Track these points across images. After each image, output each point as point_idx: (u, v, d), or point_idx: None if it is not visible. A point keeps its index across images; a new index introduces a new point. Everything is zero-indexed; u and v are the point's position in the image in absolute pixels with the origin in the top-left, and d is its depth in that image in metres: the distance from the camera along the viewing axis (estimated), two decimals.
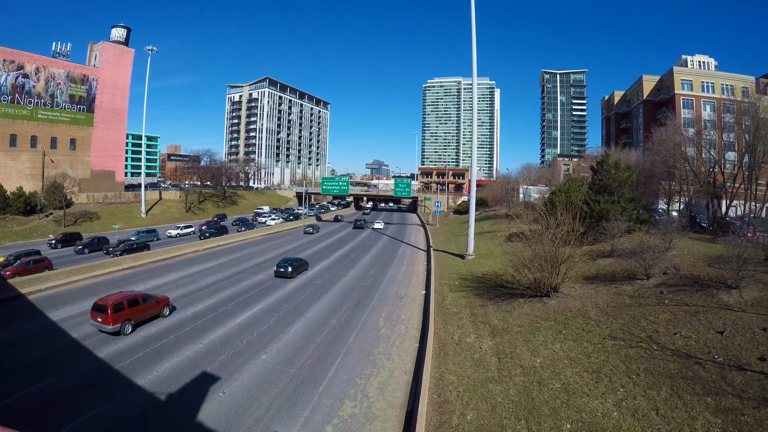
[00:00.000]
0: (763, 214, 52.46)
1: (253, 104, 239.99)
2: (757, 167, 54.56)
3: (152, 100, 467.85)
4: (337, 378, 23.94)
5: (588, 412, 19.27)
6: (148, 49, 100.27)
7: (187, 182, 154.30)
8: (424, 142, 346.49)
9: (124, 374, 23.88)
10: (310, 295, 41.65)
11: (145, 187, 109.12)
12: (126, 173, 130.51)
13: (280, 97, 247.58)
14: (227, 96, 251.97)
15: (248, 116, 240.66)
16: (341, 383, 23.35)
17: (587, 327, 29.01)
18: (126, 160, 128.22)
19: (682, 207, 67.20)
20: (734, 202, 56.81)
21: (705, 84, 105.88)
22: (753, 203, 55.06)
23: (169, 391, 21.95)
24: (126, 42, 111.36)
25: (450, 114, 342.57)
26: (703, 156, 61.71)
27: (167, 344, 28.28)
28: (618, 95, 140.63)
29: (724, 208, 55.97)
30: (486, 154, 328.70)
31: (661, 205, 69.81)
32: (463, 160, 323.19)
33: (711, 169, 59.69)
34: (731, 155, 62.50)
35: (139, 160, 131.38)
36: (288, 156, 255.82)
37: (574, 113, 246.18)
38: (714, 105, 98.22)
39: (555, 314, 31.90)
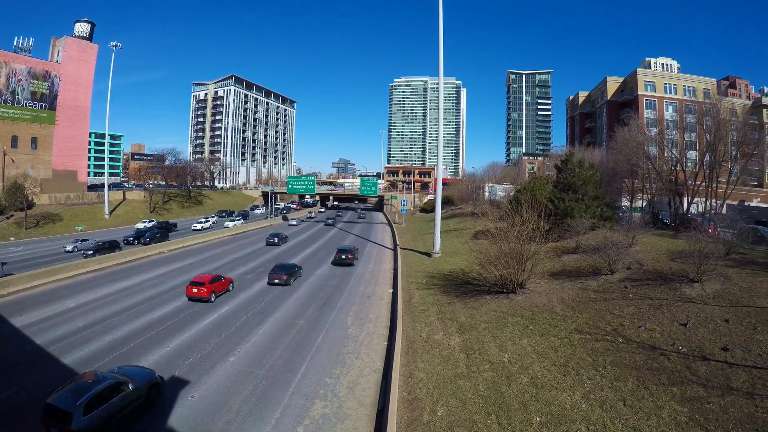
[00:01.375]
0: (724, 211, 54.51)
1: (218, 102, 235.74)
2: (718, 166, 56.82)
3: (116, 97, 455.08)
4: (306, 378, 23.74)
5: (557, 404, 19.55)
6: (112, 45, 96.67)
7: (151, 182, 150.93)
8: (390, 141, 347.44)
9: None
10: (278, 295, 41.08)
11: (109, 187, 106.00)
12: (89, 173, 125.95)
13: (246, 95, 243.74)
14: (192, 94, 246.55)
15: (213, 114, 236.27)
16: (311, 383, 23.18)
17: (554, 322, 29.54)
18: (89, 160, 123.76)
19: (644, 204, 69.32)
20: (695, 200, 59.04)
21: (668, 85, 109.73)
22: (714, 200, 57.23)
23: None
24: (90, 37, 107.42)
25: (416, 113, 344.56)
26: (666, 155, 63.83)
27: (134, 348, 27.37)
28: (582, 95, 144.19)
29: (685, 205, 58.10)
30: (452, 152, 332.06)
31: (625, 203, 71.86)
32: (429, 158, 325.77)
33: (673, 168, 61.80)
34: (692, 154, 64.97)
35: (102, 159, 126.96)
36: (254, 155, 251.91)
37: (539, 113, 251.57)
38: (676, 106, 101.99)
39: (522, 310, 32.34)
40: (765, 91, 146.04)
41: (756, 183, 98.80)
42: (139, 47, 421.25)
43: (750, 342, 21.83)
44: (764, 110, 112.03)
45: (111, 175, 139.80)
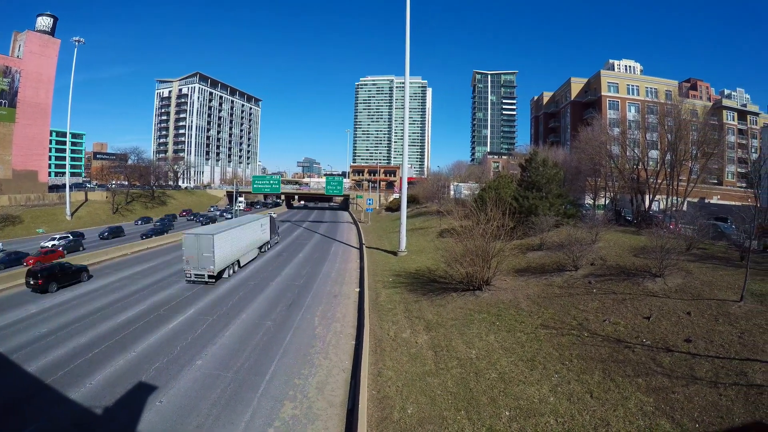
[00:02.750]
0: (685, 208, 56.41)
1: (182, 100, 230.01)
2: (679, 164, 58.85)
3: (77, 94, 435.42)
4: (275, 380, 23.67)
5: (525, 399, 19.75)
6: (75, 41, 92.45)
7: (114, 182, 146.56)
8: (355, 140, 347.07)
9: (56, 388, 22.23)
10: (244, 296, 40.54)
11: (70, 187, 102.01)
12: (50, 173, 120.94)
13: (211, 93, 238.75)
14: (156, 91, 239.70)
15: (177, 113, 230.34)
16: (280, 385, 23.12)
17: (520, 318, 29.91)
18: (50, 159, 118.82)
19: (607, 202, 71.21)
20: (657, 197, 61.07)
21: (630, 87, 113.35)
22: (675, 198, 59.17)
23: (106, 404, 20.74)
24: (52, 32, 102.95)
25: (382, 112, 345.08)
26: (628, 154, 65.76)
27: (99, 354, 26.46)
28: (547, 96, 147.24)
29: (647, 203, 60.00)
30: (417, 151, 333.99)
31: (588, 201, 73.74)
32: (394, 157, 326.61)
33: (635, 167, 63.70)
34: (654, 153, 67.04)
35: (64, 159, 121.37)
36: (218, 154, 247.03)
37: (504, 112, 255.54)
38: (638, 106, 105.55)
39: (488, 307, 32.66)
40: (725, 93, 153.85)
41: (716, 181, 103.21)
42: (101, 42, 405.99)
43: (712, 333, 22.53)
44: (724, 111, 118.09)
45: (73, 175, 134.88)
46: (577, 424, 17.50)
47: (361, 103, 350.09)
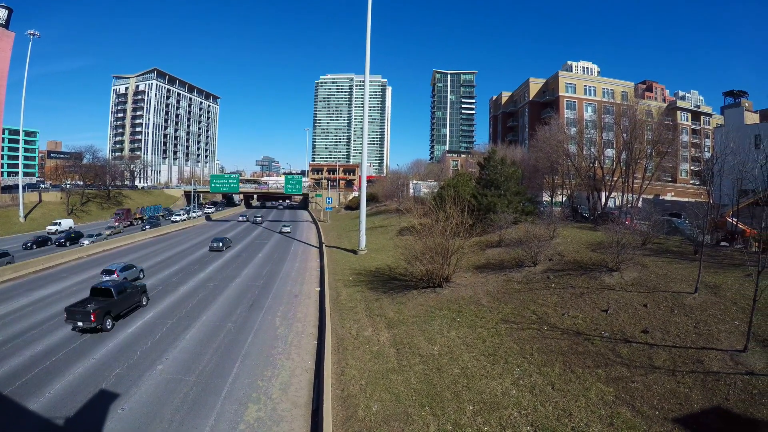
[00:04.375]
0: (640, 205, 58.35)
1: (139, 97, 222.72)
2: (634, 163, 60.89)
3: (30, 90, 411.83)
4: (238, 382, 23.31)
5: (488, 392, 19.91)
6: (30, 34, 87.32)
7: (68, 182, 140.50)
8: (315, 139, 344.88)
9: (13, 399, 21.06)
10: (204, 298, 39.59)
11: (24, 188, 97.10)
12: (2, 173, 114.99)
13: (169, 90, 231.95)
14: (112, 87, 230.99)
15: (134, 110, 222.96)
16: (243, 387, 22.79)
17: (480, 313, 30.27)
18: (1, 159, 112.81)
19: (565, 199, 72.97)
20: (613, 194, 63.00)
21: (588, 87, 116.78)
22: (630, 195, 61.08)
23: (67, 414, 19.79)
24: (6, 24, 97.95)
25: (341, 110, 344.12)
26: (584, 153, 67.60)
27: (56, 362, 25.22)
28: (505, 96, 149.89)
29: (603, 200, 61.78)
30: (376, 150, 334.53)
31: (546, 198, 75.22)
32: (354, 156, 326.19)
33: (591, 165, 65.58)
34: (610, 152, 69.29)
35: (16, 158, 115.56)
36: (176, 153, 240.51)
37: (463, 111, 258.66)
38: (595, 107, 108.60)
39: (448, 303, 32.94)
40: (680, 94, 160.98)
41: (670, 179, 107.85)
42: (55, 36, 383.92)
43: (668, 324, 23.28)
44: (678, 112, 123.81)
45: (26, 175, 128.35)
46: (540, 416, 17.70)
47: (320, 101, 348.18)
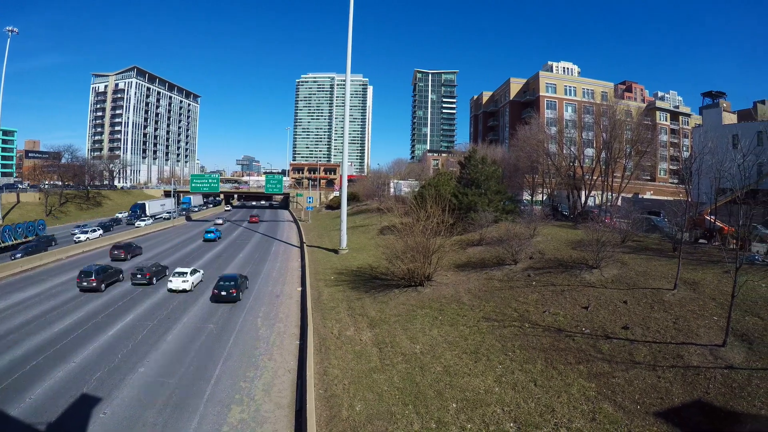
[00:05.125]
0: (619, 203, 59.28)
1: (119, 95, 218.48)
2: (613, 162, 61.83)
3: (9, 88, 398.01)
4: (220, 384, 22.97)
5: (471, 390, 19.97)
6: (8, 30, 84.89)
7: (47, 182, 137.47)
8: (296, 138, 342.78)
9: None
10: (184, 300, 38.95)
11: (1, 188, 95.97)
12: None
13: (149, 89, 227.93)
14: (92, 86, 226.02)
15: (113, 108, 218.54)
16: (226, 389, 22.47)
17: (462, 311, 30.39)
18: None
19: (545, 198, 73.71)
20: (593, 193, 63.89)
21: (568, 88, 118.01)
22: (609, 193, 62.07)
23: (49, 420, 19.28)
24: None
25: (322, 109, 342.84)
26: (564, 152, 68.41)
27: (37, 366, 24.56)
28: (486, 95, 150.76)
29: (583, 198, 62.57)
30: (357, 149, 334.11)
31: (526, 197, 75.97)
32: (334, 155, 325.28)
33: (571, 164, 66.36)
34: (590, 151, 70.28)
35: None
36: (155, 152, 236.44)
37: (444, 111, 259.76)
38: (575, 107, 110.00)
39: (430, 302, 33.01)
40: (659, 95, 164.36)
41: (648, 177, 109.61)
42: (33, 32, 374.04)
43: (648, 320, 23.62)
44: (657, 112, 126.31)
45: (3, 175, 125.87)
46: (523, 412, 17.78)
47: (301, 100, 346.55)
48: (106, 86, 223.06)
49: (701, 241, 39.53)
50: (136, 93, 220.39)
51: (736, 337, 20.28)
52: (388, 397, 20.11)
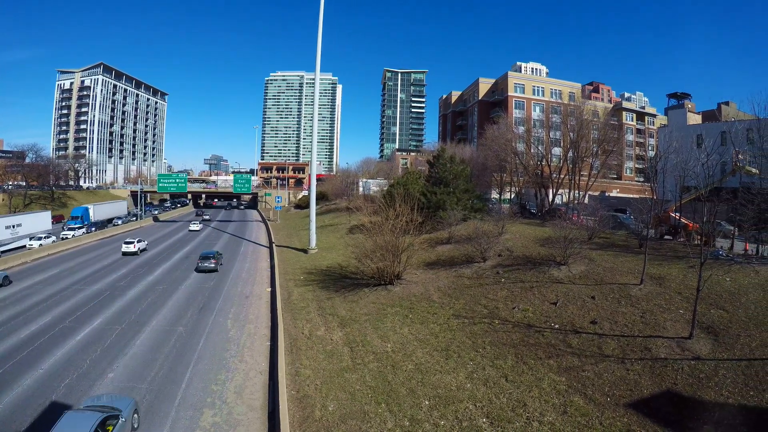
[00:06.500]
0: (586, 201, 60.57)
1: (85, 93, 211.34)
2: (580, 161, 63.23)
3: None
4: (191, 387, 22.60)
5: (443, 387, 20.05)
6: None
7: (10, 183, 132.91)
8: (264, 137, 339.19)
9: None
10: (153, 301, 38.13)
11: None
12: None
13: (115, 86, 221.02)
14: (57, 82, 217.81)
15: (79, 106, 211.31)
16: (197, 392, 22.12)
17: (432, 309, 30.57)
18: None
19: (513, 196, 74.69)
20: (560, 191, 65.05)
21: (536, 88, 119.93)
22: (577, 191, 63.37)
23: (19, 430, 18.66)
24: None
25: (291, 108, 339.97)
26: (532, 151, 69.49)
27: (2, 375, 23.62)
28: (455, 95, 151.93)
29: (551, 197, 63.64)
30: (326, 148, 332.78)
31: (494, 195, 76.94)
32: (303, 154, 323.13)
33: (539, 163, 67.48)
34: (557, 151, 71.46)
35: None
36: (122, 151, 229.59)
37: (413, 110, 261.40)
38: (543, 107, 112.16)
39: (400, 300, 33.10)
40: (625, 96, 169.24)
41: (615, 176, 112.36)
42: None
43: (616, 314, 24.15)
44: (624, 112, 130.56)
45: None
46: (496, 408, 17.92)
47: (270, 99, 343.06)
48: (71, 83, 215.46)
49: (666, 237, 40.61)
50: (102, 90, 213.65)
51: (702, 330, 20.92)
52: (361, 396, 20.05)
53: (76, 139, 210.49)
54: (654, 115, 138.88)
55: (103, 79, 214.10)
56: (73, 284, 43.07)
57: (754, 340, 19.85)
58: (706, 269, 21.58)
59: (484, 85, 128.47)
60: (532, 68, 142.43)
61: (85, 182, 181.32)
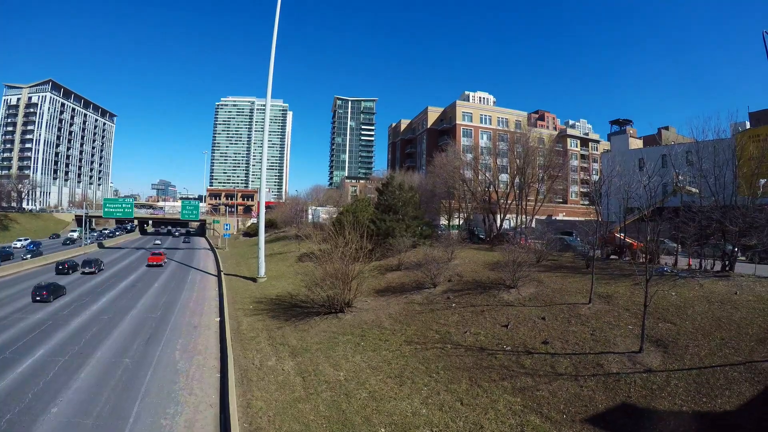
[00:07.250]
0: (533, 225, 61.91)
1: (31, 110, 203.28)
2: (527, 186, 64.72)
3: None
4: (140, 422, 21.70)
5: (398, 413, 19.78)
6: None
7: None
8: (213, 163, 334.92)
9: None
10: (97, 332, 36.28)
11: None
12: None
13: (63, 104, 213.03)
14: (3, 98, 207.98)
15: (25, 124, 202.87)
16: (146, 427, 21.31)
17: (383, 336, 30.31)
18: None
19: (461, 222, 75.59)
20: (508, 216, 66.23)
21: (484, 116, 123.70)
22: (524, 216, 64.54)
23: None
24: None
25: (241, 134, 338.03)
26: (480, 178, 70.80)
27: None
28: (404, 123, 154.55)
29: (499, 222, 64.71)
30: (276, 175, 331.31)
31: (443, 221, 77.65)
32: (252, 181, 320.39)
33: (487, 189, 68.69)
34: (504, 177, 73.06)
35: None
36: (68, 173, 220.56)
37: (362, 138, 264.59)
38: (491, 134, 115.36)
39: (351, 328, 32.75)
40: (570, 123, 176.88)
41: (561, 200, 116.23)
42: None
43: (566, 333, 24.52)
44: (568, 139, 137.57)
45: None
46: (452, 431, 17.61)
47: (220, 124, 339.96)
48: (18, 99, 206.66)
49: (612, 257, 41.85)
50: (50, 108, 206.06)
51: (652, 343, 21.51)
52: (315, 427, 19.58)
53: (21, 159, 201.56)
54: (597, 141, 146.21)
55: (51, 97, 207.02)
56: (12, 313, 40.89)
57: (702, 349, 20.53)
58: (653, 285, 22.31)
59: (433, 113, 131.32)
60: (480, 97, 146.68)
61: (28, 204, 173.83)
